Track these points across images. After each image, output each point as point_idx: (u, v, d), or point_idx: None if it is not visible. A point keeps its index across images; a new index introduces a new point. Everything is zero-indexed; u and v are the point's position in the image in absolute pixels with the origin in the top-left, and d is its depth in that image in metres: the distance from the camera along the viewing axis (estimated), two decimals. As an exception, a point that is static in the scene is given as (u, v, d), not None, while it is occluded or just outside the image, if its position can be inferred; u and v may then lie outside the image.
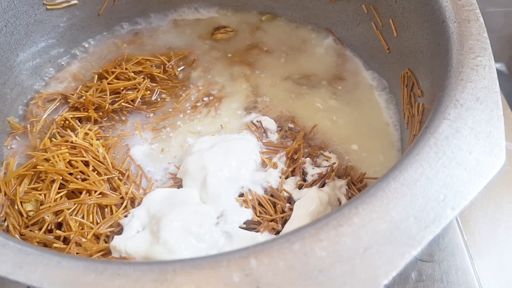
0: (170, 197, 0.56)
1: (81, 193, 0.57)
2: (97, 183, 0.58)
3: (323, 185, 0.58)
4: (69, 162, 0.58)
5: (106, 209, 0.57)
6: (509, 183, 0.63)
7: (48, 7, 0.72)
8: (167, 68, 0.75)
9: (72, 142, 0.60)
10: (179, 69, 0.76)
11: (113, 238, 0.53)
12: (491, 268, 0.56)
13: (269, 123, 0.66)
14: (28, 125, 0.68)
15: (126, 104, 0.69)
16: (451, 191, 0.35)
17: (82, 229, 0.54)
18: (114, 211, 0.57)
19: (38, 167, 0.58)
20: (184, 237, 0.50)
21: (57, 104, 0.71)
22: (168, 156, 0.65)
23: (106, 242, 0.54)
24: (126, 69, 0.73)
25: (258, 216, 0.55)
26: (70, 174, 0.57)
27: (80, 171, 0.58)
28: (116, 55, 0.79)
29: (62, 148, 0.59)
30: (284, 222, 0.55)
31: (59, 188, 0.57)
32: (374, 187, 0.36)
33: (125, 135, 0.67)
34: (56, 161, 0.58)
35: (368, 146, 0.65)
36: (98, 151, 0.61)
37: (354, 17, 0.74)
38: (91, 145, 0.61)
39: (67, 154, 0.59)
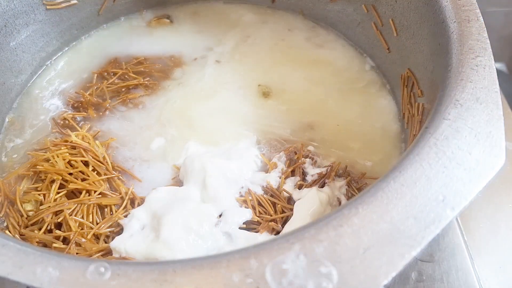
0: (171, 196, 0.56)
1: (81, 193, 0.57)
2: (96, 183, 0.58)
3: (323, 185, 0.58)
4: (69, 162, 0.58)
5: (106, 209, 0.57)
6: (509, 183, 0.63)
7: (48, 7, 0.72)
8: (167, 68, 0.75)
9: (71, 142, 0.60)
10: (179, 69, 0.76)
11: (113, 238, 0.53)
12: (491, 268, 0.56)
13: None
14: (28, 125, 0.68)
15: (126, 104, 0.69)
16: (451, 192, 0.35)
17: (82, 229, 0.54)
18: (114, 211, 0.57)
19: (38, 167, 0.58)
20: (184, 235, 0.51)
21: (57, 104, 0.71)
22: (169, 156, 0.65)
23: (106, 242, 0.54)
24: (126, 69, 0.73)
25: (258, 216, 0.55)
26: (70, 174, 0.57)
27: (80, 171, 0.58)
28: (116, 55, 0.78)
29: (62, 148, 0.59)
30: (284, 222, 0.55)
31: (59, 188, 0.57)
32: (374, 187, 0.36)
33: (125, 135, 0.67)
34: (55, 161, 0.58)
35: (368, 146, 0.64)
36: (97, 151, 0.61)
37: (354, 17, 0.74)
38: (91, 145, 0.61)
39: (67, 154, 0.59)
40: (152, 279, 0.32)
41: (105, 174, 0.59)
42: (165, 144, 0.66)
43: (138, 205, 0.57)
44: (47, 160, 0.58)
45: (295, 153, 0.62)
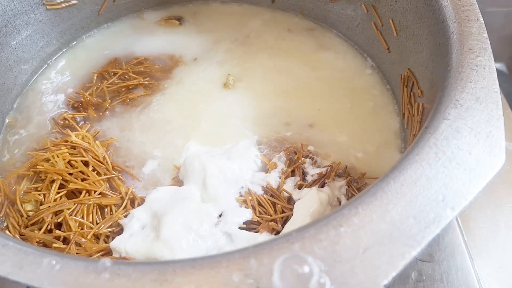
0: (172, 196, 0.57)
1: (81, 193, 0.57)
2: (96, 183, 0.58)
3: (323, 185, 0.58)
4: (69, 162, 0.58)
5: (106, 209, 0.57)
6: (509, 183, 0.63)
7: (48, 7, 0.72)
8: (167, 68, 0.75)
9: (71, 142, 0.60)
10: (179, 69, 0.76)
11: (113, 238, 0.53)
12: (491, 268, 0.56)
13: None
14: (28, 125, 0.68)
15: (126, 104, 0.69)
16: (451, 192, 0.35)
17: (82, 229, 0.54)
18: (114, 211, 0.57)
19: (38, 167, 0.58)
20: (184, 235, 0.51)
21: (57, 104, 0.71)
22: (169, 156, 0.65)
23: (106, 242, 0.54)
24: (126, 69, 0.73)
25: (258, 216, 0.55)
26: (70, 174, 0.57)
27: (80, 171, 0.58)
28: (116, 55, 0.78)
29: (62, 148, 0.59)
30: (284, 222, 0.55)
31: (59, 188, 0.57)
32: (374, 187, 0.36)
33: (125, 135, 0.67)
34: (55, 161, 0.58)
35: (368, 146, 0.64)
36: (97, 151, 0.61)
37: (354, 17, 0.74)
38: (91, 145, 0.61)
39: (67, 154, 0.59)
40: (152, 279, 0.32)
41: (105, 174, 0.59)
42: (164, 145, 0.66)
43: (138, 205, 0.57)
44: (47, 160, 0.58)
45: (295, 153, 0.62)
